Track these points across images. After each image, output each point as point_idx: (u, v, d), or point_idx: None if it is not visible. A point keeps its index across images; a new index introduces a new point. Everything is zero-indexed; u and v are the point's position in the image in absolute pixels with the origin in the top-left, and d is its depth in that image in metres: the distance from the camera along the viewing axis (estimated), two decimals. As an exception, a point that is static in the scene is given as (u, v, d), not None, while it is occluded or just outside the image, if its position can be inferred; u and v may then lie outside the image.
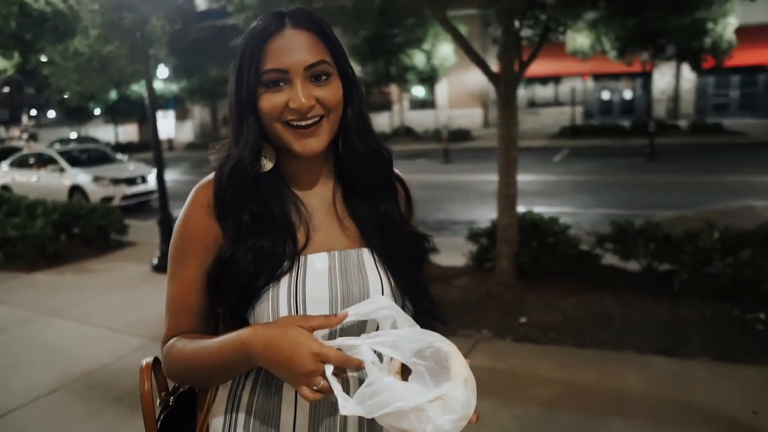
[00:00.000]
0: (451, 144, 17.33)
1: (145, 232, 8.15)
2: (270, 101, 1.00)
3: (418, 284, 1.10)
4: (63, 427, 3.32)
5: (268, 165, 1.05)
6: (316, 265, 1.04)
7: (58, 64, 9.68)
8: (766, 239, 4.40)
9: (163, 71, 19.01)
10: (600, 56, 17.15)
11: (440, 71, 20.63)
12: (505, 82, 4.82)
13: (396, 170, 1.17)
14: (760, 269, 4.15)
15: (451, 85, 25.01)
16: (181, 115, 30.92)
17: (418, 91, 24.60)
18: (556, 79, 24.57)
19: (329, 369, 0.87)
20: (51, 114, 34.48)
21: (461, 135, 21.15)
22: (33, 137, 29.65)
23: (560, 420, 3.11)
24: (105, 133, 31.18)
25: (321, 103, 1.00)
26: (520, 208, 5.20)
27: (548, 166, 14.35)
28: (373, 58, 18.64)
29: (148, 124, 6.82)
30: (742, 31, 16.60)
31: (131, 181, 11.72)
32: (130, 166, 12.53)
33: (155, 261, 6.46)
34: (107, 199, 10.86)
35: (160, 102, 23.57)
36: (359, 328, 1.01)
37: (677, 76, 23.01)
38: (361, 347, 0.88)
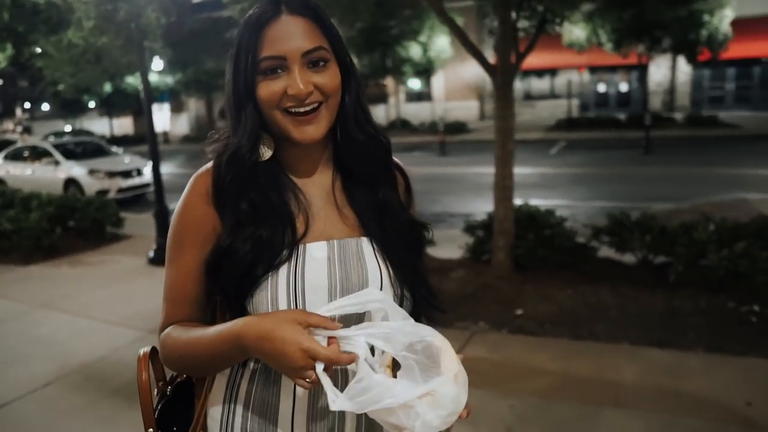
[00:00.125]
0: (448, 136, 17.30)
1: (140, 225, 8.12)
2: (268, 88, 0.99)
3: (416, 273, 1.10)
4: (60, 419, 3.32)
5: (266, 153, 1.04)
6: (315, 253, 1.03)
7: (51, 56, 9.61)
8: (760, 232, 4.43)
9: (158, 63, 18.86)
10: (596, 48, 17.16)
11: (436, 63, 20.56)
12: (502, 74, 4.81)
13: (396, 159, 1.17)
14: (754, 261, 4.18)
15: (448, 77, 24.94)
16: (177, 108, 30.73)
17: (415, 83, 24.56)
18: (552, 71, 24.57)
19: (320, 366, 0.87)
20: (45, 107, 34.19)
21: (457, 127, 21.11)
22: (27, 130, 29.52)
23: (556, 411, 3.13)
24: (100, 126, 30.97)
25: (319, 89, 1.00)
26: (517, 201, 5.21)
27: (544, 158, 14.35)
28: (369, 50, 18.54)
29: (143, 117, 6.77)
30: (737, 24, 16.63)
31: (127, 174, 11.67)
32: (125, 159, 12.46)
33: (151, 254, 6.45)
34: (102, 192, 10.77)
35: (156, 94, 23.47)
36: (356, 321, 1.01)
37: (673, 68, 23.02)
38: (354, 338, 0.88)
